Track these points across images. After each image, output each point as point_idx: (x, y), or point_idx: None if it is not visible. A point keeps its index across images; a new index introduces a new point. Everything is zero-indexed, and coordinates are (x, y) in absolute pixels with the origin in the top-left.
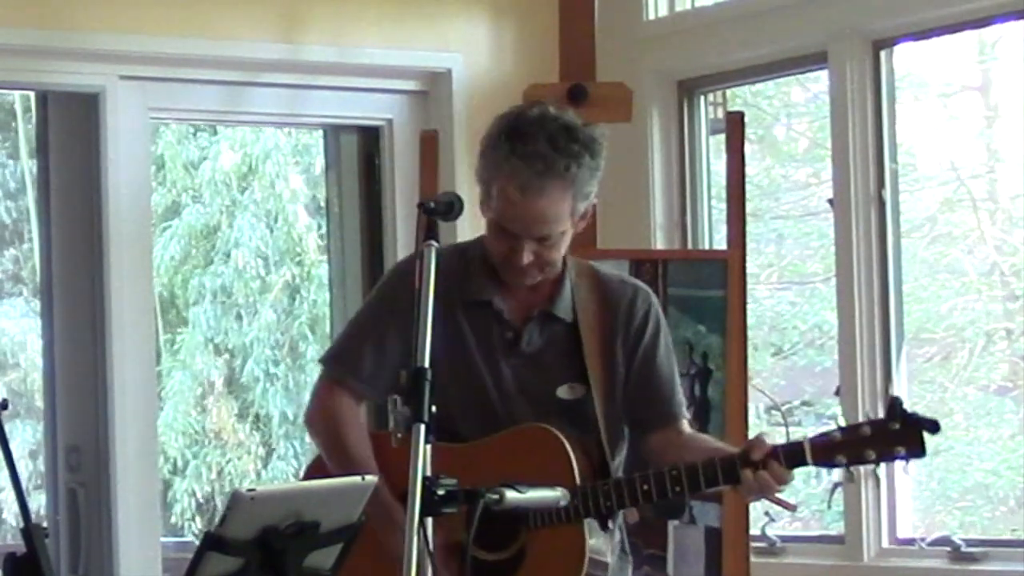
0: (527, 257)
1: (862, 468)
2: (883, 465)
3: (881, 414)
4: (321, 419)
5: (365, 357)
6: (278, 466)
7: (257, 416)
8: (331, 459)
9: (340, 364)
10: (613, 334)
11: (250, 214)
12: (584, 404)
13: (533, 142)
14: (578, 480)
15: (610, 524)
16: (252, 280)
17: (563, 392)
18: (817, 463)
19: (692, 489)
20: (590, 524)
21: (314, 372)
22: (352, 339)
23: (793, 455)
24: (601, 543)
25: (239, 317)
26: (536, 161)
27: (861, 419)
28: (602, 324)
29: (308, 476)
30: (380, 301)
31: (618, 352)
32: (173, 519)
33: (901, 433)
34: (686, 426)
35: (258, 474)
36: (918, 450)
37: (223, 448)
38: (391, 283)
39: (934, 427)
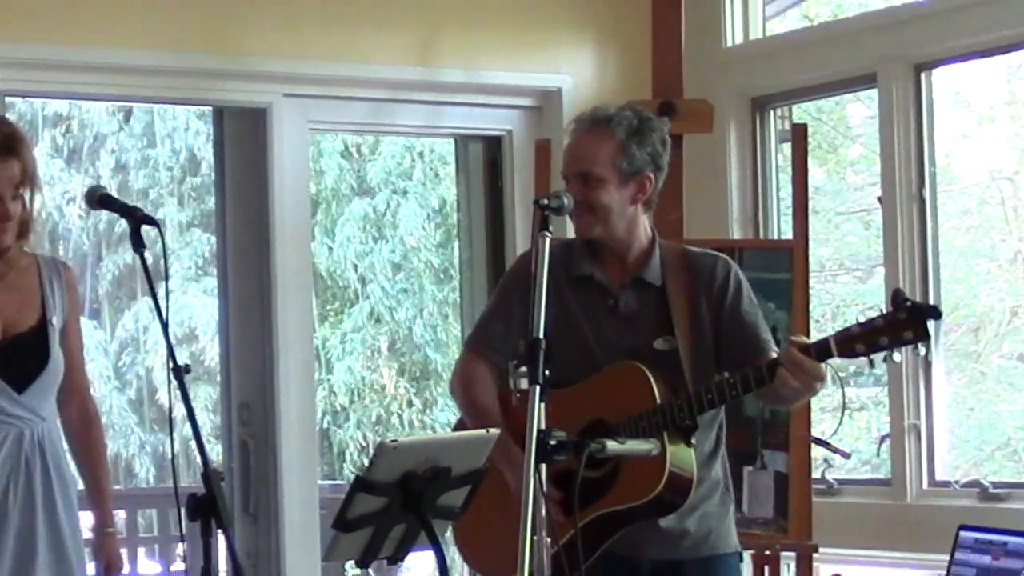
0: (571, 196)
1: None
2: (902, 352)
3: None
4: (458, 383)
5: (495, 331)
6: (440, 416)
7: (420, 373)
8: (465, 413)
9: (476, 339)
10: (698, 295)
11: (414, 203)
12: (677, 353)
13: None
14: (659, 400)
15: (692, 440)
16: (415, 259)
17: (659, 344)
18: (841, 354)
19: (744, 390)
20: (674, 441)
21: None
22: (484, 318)
23: (821, 350)
24: (684, 455)
25: (404, 291)
26: (591, 112)
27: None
28: (688, 287)
29: (457, 429)
30: (505, 285)
31: (703, 310)
32: (344, 464)
33: (907, 320)
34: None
35: (422, 423)
36: (923, 334)
37: (386, 401)
38: (513, 270)
39: (935, 312)
